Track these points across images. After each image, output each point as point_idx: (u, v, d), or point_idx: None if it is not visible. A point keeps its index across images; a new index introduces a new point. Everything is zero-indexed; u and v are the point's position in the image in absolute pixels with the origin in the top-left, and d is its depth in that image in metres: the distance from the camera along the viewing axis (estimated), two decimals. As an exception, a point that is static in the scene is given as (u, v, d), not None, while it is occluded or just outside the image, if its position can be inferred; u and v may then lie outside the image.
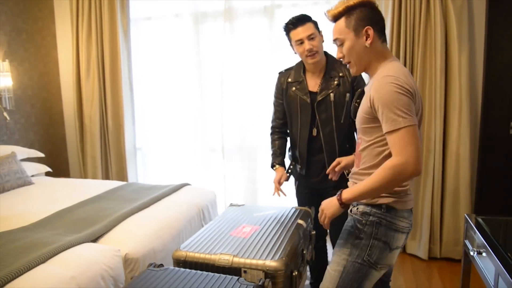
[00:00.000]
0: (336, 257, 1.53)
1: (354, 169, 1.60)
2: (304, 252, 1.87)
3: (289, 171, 2.34)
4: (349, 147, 2.21)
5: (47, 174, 3.63)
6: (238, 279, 1.49)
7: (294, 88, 2.20)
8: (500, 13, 2.94)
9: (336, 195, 1.48)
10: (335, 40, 1.53)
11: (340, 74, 2.12)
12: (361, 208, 1.52)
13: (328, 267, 1.57)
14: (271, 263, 1.57)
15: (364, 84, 2.11)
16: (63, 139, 4.11)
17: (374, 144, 1.47)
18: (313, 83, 2.17)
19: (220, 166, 3.88)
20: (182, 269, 1.57)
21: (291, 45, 2.17)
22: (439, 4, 2.93)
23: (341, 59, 1.56)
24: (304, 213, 2.12)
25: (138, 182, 4.07)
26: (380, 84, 1.39)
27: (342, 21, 1.48)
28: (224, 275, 1.52)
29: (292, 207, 2.22)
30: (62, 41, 3.99)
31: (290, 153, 2.41)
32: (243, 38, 3.62)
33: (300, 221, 2.00)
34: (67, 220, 2.11)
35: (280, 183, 2.21)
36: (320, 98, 2.11)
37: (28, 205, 2.42)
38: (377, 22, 1.47)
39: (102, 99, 3.89)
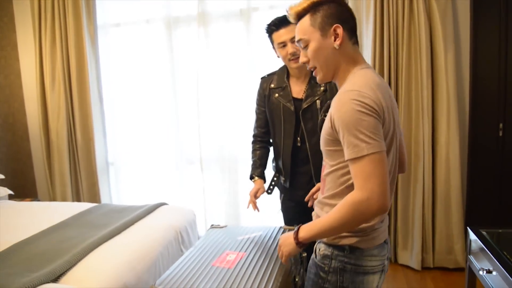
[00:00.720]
0: None
1: (319, 196, 1.36)
2: (297, 279, 1.68)
3: (273, 183, 2.17)
4: None
5: (12, 196, 3.34)
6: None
7: (277, 95, 2.04)
8: (485, 12, 2.85)
9: (293, 231, 1.28)
10: (298, 42, 1.30)
11: None
12: (322, 249, 1.29)
13: None
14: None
15: None
16: (28, 156, 3.81)
17: (337, 170, 1.24)
18: (297, 89, 2.01)
19: (199, 179, 3.67)
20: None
21: (273, 48, 2.01)
22: (423, 3, 2.81)
23: (306, 64, 1.32)
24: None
25: (110, 201, 3.84)
26: (341, 101, 1.16)
27: (306, 19, 1.26)
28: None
29: (279, 227, 2.04)
30: (24, 51, 3.70)
31: (273, 164, 2.24)
32: (218, 43, 3.42)
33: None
34: (24, 255, 1.84)
35: (256, 197, 2.06)
36: (306, 106, 1.95)
37: None
38: (347, 20, 1.24)
39: (70, 111, 3.63)
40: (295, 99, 1.99)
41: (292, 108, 1.98)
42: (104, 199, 3.75)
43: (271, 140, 2.21)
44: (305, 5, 1.26)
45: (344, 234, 1.24)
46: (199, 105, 3.53)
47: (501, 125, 2.88)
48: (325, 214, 1.23)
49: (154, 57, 3.59)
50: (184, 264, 1.66)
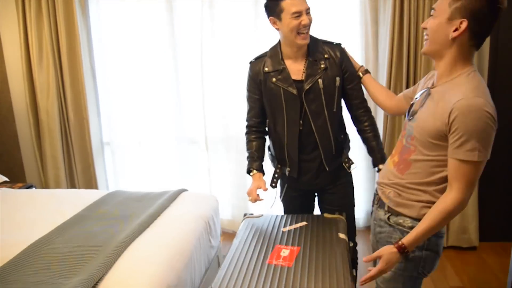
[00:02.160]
0: (389, 274, 1.44)
1: (394, 174, 1.47)
2: (355, 274, 1.58)
3: (276, 175, 2.00)
4: (343, 138, 1.96)
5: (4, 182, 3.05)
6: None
7: (274, 79, 1.83)
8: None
9: (396, 244, 1.35)
10: (432, 9, 1.33)
11: (326, 56, 1.81)
12: (408, 222, 1.42)
13: (382, 285, 1.50)
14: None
15: (351, 66, 1.86)
16: (14, 138, 3.48)
17: (433, 161, 1.34)
18: (295, 70, 1.82)
19: (203, 159, 3.50)
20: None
21: (275, 17, 1.75)
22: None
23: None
24: (340, 223, 1.83)
25: (107, 184, 3.61)
26: (472, 106, 1.19)
27: None
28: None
29: (320, 215, 1.93)
30: (5, 20, 3.29)
31: (271, 155, 2.05)
32: (224, 16, 3.18)
33: (342, 236, 1.70)
34: (46, 257, 1.63)
35: (255, 193, 1.88)
36: (308, 87, 1.78)
37: None
38: (479, 23, 1.22)
39: (60, 88, 3.32)
40: (295, 81, 1.81)
41: (295, 91, 1.79)
42: (101, 182, 3.53)
43: (267, 129, 2.03)
44: None
45: (427, 209, 1.36)
46: (203, 82, 3.32)
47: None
48: (404, 195, 1.41)
49: (152, 28, 3.30)
50: (236, 262, 1.53)
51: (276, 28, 1.81)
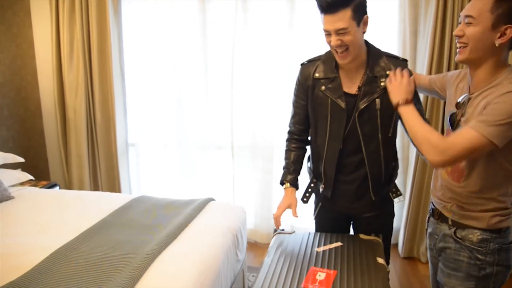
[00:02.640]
0: None
1: (450, 184, 1.41)
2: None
3: (309, 190, 1.84)
4: (394, 165, 1.77)
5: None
6: None
7: (323, 87, 1.66)
8: None
9: (404, 100, 1.45)
10: (467, 16, 1.26)
11: (388, 73, 1.59)
12: (478, 234, 1.36)
13: None
14: None
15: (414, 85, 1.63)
16: (41, 135, 3.48)
17: (493, 163, 1.30)
18: (349, 83, 1.64)
19: (229, 166, 3.42)
20: None
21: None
22: None
23: (457, 37, 1.31)
24: (378, 246, 1.71)
25: (129, 186, 3.56)
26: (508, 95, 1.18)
27: (489, 1, 1.20)
28: None
29: (356, 235, 1.81)
30: (38, 17, 3.30)
31: (309, 167, 1.89)
32: (258, 19, 3.10)
33: (380, 261, 1.59)
34: (71, 265, 1.57)
35: (280, 219, 1.75)
36: (363, 106, 1.60)
37: (10, 235, 1.86)
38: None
39: (89, 87, 3.30)
40: (346, 94, 1.63)
41: (343, 105, 1.61)
42: (124, 184, 3.48)
43: (309, 138, 1.87)
44: None
45: (500, 218, 1.34)
46: (233, 87, 3.24)
47: None
48: (468, 207, 1.37)
49: (184, 31, 3.25)
50: (269, 284, 1.43)
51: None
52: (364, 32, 1.56)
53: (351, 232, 1.99)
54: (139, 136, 3.51)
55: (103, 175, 3.44)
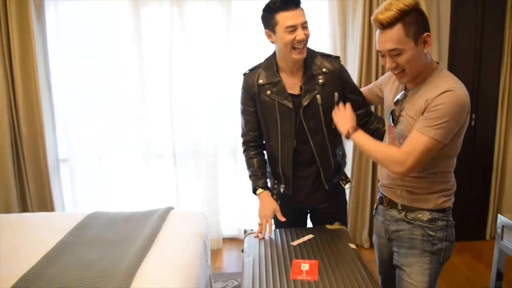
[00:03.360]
0: (417, 269, 1.52)
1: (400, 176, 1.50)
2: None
3: (274, 192, 1.91)
4: (341, 154, 1.93)
5: None
6: None
7: (269, 92, 1.76)
8: (463, 12, 3.02)
9: (351, 128, 1.58)
10: (390, 51, 1.34)
11: (324, 70, 1.74)
12: (427, 215, 1.50)
13: (408, 280, 1.53)
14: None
15: (350, 78, 1.83)
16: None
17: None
18: (291, 84, 1.76)
19: (171, 175, 3.35)
20: None
21: (270, 30, 1.69)
22: None
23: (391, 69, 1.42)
24: (344, 233, 1.84)
25: (63, 207, 3.31)
26: (443, 96, 1.31)
27: (400, 28, 1.30)
28: None
29: (323, 226, 1.92)
30: None
31: (268, 171, 1.96)
32: (195, 26, 3.12)
33: (352, 246, 1.72)
34: (58, 284, 1.42)
35: (268, 221, 1.79)
36: (306, 103, 1.72)
37: None
38: (429, 26, 1.36)
39: (12, 99, 3.00)
40: (291, 95, 1.75)
41: (291, 105, 1.73)
42: (57, 203, 3.22)
43: (264, 143, 1.95)
44: (395, 13, 1.29)
45: (445, 198, 1.49)
46: (172, 95, 3.21)
47: (474, 115, 3.12)
48: (416, 191, 1.49)
49: (117, 37, 3.15)
50: (259, 282, 1.46)
51: (271, 42, 1.74)
52: None
53: (309, 224, 2.10)
54: (71, 151, 3.27)
55: (33, 195, 3.14)
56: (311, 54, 1.77)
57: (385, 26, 1.32)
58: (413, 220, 1.51)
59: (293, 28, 1.62)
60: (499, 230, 1.97)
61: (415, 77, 1.41)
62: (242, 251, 1.82)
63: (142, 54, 3.15)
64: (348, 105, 1.70)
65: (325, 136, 1.78)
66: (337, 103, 1.75)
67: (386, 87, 1.64)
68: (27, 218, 2.17)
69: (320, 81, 1.73)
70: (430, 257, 1.51)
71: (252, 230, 1.93)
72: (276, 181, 1.92)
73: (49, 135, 3.15)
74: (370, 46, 2.97)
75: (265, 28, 1.73)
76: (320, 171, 1.83)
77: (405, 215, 1.53)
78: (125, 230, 1.94)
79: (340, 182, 1.93)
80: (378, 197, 1.70)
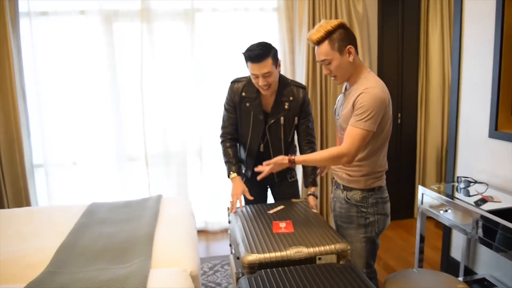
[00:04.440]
0: (355, 238, 1.93)
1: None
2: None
3: (242, 172, 2.39)
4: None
5: None
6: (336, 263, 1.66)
7: (248, 104, 2.24)
8: (388, 21, 3.71)
9: (289, 156, 1.88)
10: (322, 61, 1.79)
11: (291, 98, 2.22)
12: (359, 194, 1.89)
13: (351, 247, 1.87)
14: (341, 246, 1.75)
15: (307, 107, 2.30)
16: None
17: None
18: (265, 103, 2.25)
19: (143, 175, 3.67)
20: (280, 269, 1.61)
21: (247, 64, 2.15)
22: (347, 17, 3.51)
23: (328, 74, 1.86)
24: (306, 204, 2.33)
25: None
26: (364, 95, 1.71)
27: (326, 44, 1.75)
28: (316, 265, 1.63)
29: (289, 200, 2.39)
30: None
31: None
32: (163, 41, 3.52)
33: (315, 211, 2.20)
34: (87, 251, 1.76)
35: (238, 199, 2.22)
36: (272, 121, 2.23)
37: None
38: (354, 40, 1.78)
39: (-11, 109, 3.18)
40: (263, 112, 2.23)
41: (262, 118, 2.22)
42: (34, 204, 3.39)
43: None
44: (322, 33, 1.74)
45: (374, 180, 1.86)
46: (144, 102, 3.55)
47: (399, 114, 3.80)
48: (352, 174, 1.87)
49: (90, 51, 3.43)
50: (251, 236, 1.88)
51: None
52: (279, 72, 2.18)
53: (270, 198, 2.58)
54: (46, 156, 3.47)
55: (10, 200, 3.30)
56: (284, 82, 2.25)
57: (316, 43, 1.77)
58: (350, 199, 1.90)
59: (255, 76, 2.10)
60: (420, 197, 2.57)
61: (346, 79, 1.85)
62: (229, 222, 2.26)
63: (114, 65, 3.47)
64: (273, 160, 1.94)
65: (282, 146, 2.31)
66: (295, 125, 2.28)
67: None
68: (34, 211, 2.42)
69: (286, 107, 2.23)
70: (364, 229, 1.90)
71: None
72: (240, 164, 2.41)
73: (25, 142, 3.34)
74: (314, 58, 3.54)
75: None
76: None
77: (346, 195, 1.92)
78: (128, 212, 2.29)
79: (287, 175, 2.42)
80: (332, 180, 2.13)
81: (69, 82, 3.44)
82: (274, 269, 1.62)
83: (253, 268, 1.67)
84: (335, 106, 2.03)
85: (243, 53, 2.13)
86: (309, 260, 1.73)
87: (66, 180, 3.55)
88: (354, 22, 3.54)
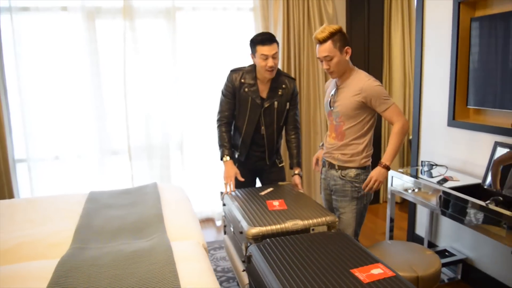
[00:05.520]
0: (348, 209, 2.25)
1: (336, 143, 2.27)
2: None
3: (235, 157, 2.62)
4: (279, 144, 2.73)
5: None
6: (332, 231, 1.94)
7: (247, 89, 2.48)
8: (356, 21, 4.04)
9: (380, 165, 2.14)
10: (324, 57, 2.11)
11: (283, 86, 2.51)
12: (354, 171, 2.22)
13: (343, 217, 2.26)
14: (330, 218, 2.03)
15: (296, 96, 2.62)
16: None
17: (358, 124, 2.19)
18: (262, 89, 2.51)
19: (126, 168, 3.77)
20: (282, 238, 1.83)
21: (253, 54, 2.43)
22: (318, 17, 3.80)
23: (326, 69, 2.17)
24: (292, 186, 2.58)
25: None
26: (368, 85, 2.11)
27: (329, 43, 2.09)
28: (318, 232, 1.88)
29: (276, 184, 2.63)
30: None
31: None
32: (145, 37, 3.63)
33: (301, 191, 2.47)
34: (106, 231, 1.91)
35: (233, 179, 2.47)
36: (267, 105, 2.50)
37: (21, 229, 2.04)
38: (349, 42, 2.15)
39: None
40: (260, 97, 2.50)
41: (259, 102, 2.50)
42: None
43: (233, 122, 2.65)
44: (327, 34, 2.08)
45: (366, 159, 2.22)
46: (127, 96, 3.65)
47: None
48: (348, 153, 2.22)
49: (72, 47, 3.48)
50: (251, 212, 2.11)
51: (253, 61, 2.47)
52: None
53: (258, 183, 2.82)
54: (29, 151, 3.50)
55: (-7, 194, 3.31)
56: (278, 72, 2.53)
57: (321, 41, 2.10)
58: (345, 177, 2.23)
59: (265, 57, 2.35)
60: (390, 180, 2.89)
61: (340, 75, 2.19)
62: (224, 204, 2.46)
63: (97, 60, 3.54)
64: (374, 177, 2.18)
65: (274, 129, 2.57)
66: (287, 110, 2.57)
67: (326, 90, 2.43)
68: (36, 200, 2.53)
69: (280, 93, 2.52)
70: (356, 201, 2.24)
71: (227, 191, 2.55)
72: (233, 149, 2.64)
73: (7, 137, 3.36)
74: (288, 55, 3.79)
75: (251, 52, 2.45)
76: (266, 150, 2.58)
77: (341, 173, 2.24)
78: (130, 198, 2.44)
79: (276, 160, 2.72)
80: (322, 163, 2.44)
81: (51, 77, 3.47)
82: (277, 237, 1.85)
83: (257, 239, 1.90)
84: (326, 100, 2.35)
85: (252, 40, 2.39)
86: (304, 231, 1.98)
87: (48, 175, 3.59)
88: (325, 22, 3.83)
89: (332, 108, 2.26)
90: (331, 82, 2.37)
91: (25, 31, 3.37)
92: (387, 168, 2.15)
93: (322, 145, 2.50)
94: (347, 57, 2.14)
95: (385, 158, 2.14)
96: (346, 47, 2.12)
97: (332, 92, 2.28)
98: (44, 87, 3.48)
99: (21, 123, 3.46)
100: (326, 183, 2.38)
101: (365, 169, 2.25)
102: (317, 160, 2.49)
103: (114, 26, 3.56)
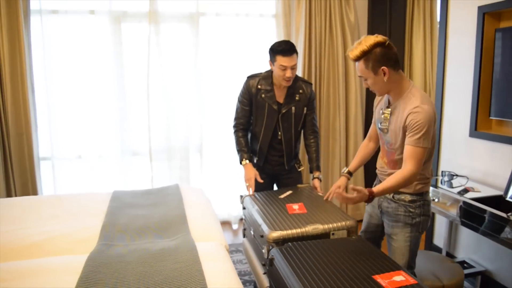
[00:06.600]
0: (400, 236, 1.96)
1: (387, 170, 2.00)
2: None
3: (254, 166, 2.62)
4: (298, 148, 2.73)
5: None
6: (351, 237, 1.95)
7: (263, 95, 2.51)
8: (377, 29, 4.03)
9: (368, 190, 1.81)
10: (360, 77, 1.88)
11: (300, 91, 2.52)
12: (408, 197, 1.94)
13: (394, 245, 1.99)
14: (350, 222, 2.03)
15: (314, 100, 2.59)
16: None
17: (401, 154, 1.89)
18: (278, 94, 2.53)
19: (147, 169, 3.84)
20: (304, 242, 1.86)
21: (271, 62, 2.44)
22: (340, 25, 3.82)
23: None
24: (311, 188, 2.60)
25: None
26: (422, 112, 1.75)
27: (362, 63, 1.80)
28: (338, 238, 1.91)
29: (294, 186, 2.65)
30: None
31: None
32: (169, 41, 3.71)
33: (321, 193, 2.49)
34: (131, 230, 1.97)
35: (253, 181, 2.50)
36: (284, 110, 2.52)
37: (51, 223, 2.11)
38: (391, 58, 1.77)
39: (0, 103, 3.28)
40: (277, 102, 2.52)
41: (276, 108, 2.51)
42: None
43: (251, 128, 2.68)
44: (357, 53, 1.78)
45: (422, 185, 1.92)
46: (149, 99, 3.72)
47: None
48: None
49: (98, 49, 3.58)
50: (270, 216, 2.13)
51: (271, 68, 2.49)
52: None
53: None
54: (54, 149, 3.59)
55: (18, 192, 3.40)
56: (296, 78, 2.55)
57: (354, 60, 1.82)
58: (398, 200, 1.95)
59: (284, 68, 2.38)
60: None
61: (385, 93, 1.90)
62: (243, 208, 2.50)
63: (122, 63, 3.63)
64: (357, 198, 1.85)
65: (292, 134, 2.60)
66: (304, 115, 2.56)
67: (376, 108, 2.08)
68: (62, 197, 2.60)
69: (297, 98, 2.54)
70: (410, 228, 1.94)
71: (245, 195, 2.59)
72: (251, 155, 2.67)
73: (33, 136, 3.46)
74: (309, 62, 3.82)
75: (270, 59, 2.48)
76: (284, 155, 2.61)
77: (393, 196, 1.96)
78: (152, 198, 2.50)
79: (295, 165, 2.74)
80: (375, 183, 2.15)
81: (77, 78, 3.58)
82: (299, 241, 1.87)
83: (278, 243, 1.92)
84: (375, 118, 2.09)
85: (271, 49, 2.41)
86: (324, 235, 1.99)
87: (71, 173, 3.68)
88: (347, 30, 3.85)
89: (382, 132, 1.99)
90: (381, 98, 2.05)
91: (53, 33, 3.48)
92: (371, 199, 1.83)
93: (347, 172, 2.29)
94: (385, 78, 1.79)
95: (378, 190, 1.83)
96: (382, 67, 1.76)
97: (383, 109, 1.97)
98: (70, 87, 3.59)
99: (47, 122, 3.56)
100: (377, 202, 2.09)
101: (422, 195, 1.96)
102: (339, 187, 2.18)
103: (139, 29, 3.65)
